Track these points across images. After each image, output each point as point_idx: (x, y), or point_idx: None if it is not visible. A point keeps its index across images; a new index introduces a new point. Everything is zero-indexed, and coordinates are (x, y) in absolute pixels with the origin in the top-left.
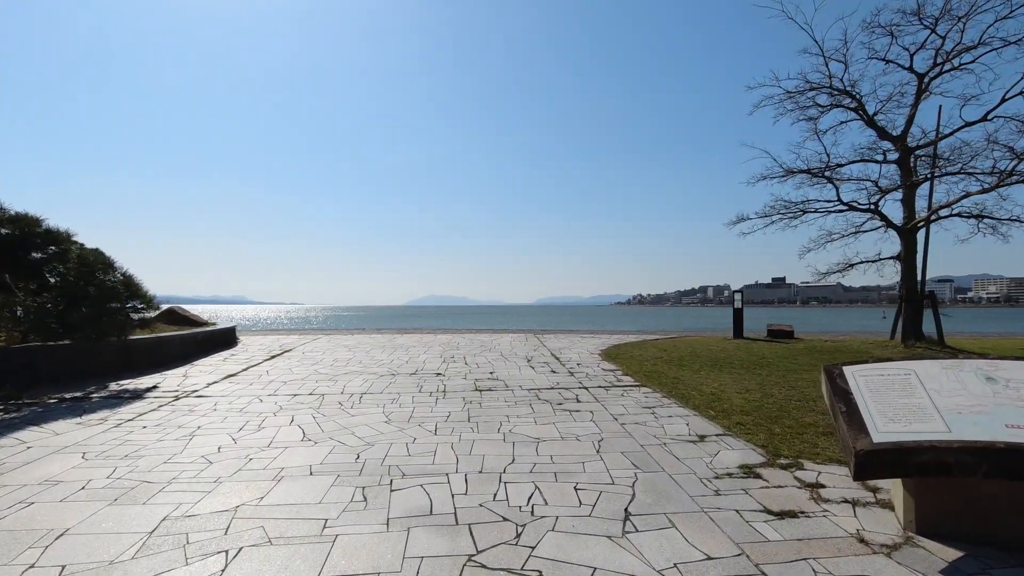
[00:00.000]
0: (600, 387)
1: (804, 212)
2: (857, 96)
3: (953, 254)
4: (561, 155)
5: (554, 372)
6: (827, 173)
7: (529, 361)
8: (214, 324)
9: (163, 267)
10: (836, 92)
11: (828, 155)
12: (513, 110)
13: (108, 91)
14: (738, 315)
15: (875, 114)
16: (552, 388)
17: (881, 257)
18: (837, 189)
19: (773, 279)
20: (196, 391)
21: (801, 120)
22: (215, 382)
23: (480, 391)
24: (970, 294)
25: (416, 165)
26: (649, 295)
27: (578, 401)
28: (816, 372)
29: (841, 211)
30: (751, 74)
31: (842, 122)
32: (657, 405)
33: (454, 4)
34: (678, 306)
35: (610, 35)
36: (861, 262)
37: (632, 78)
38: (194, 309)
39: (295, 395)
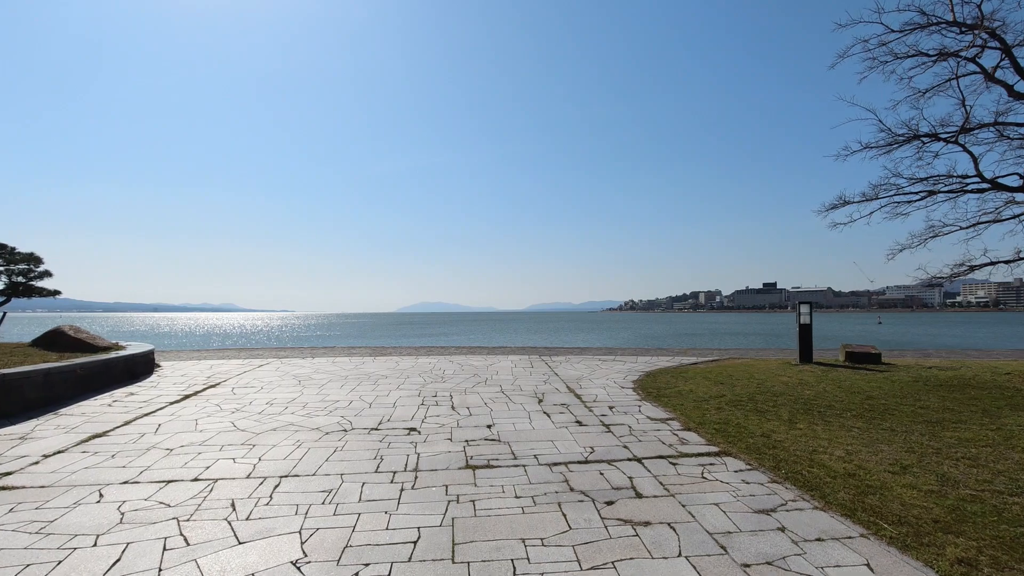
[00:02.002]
0: (661, 457)
1: (932, 192)
2: (995, 30)
3: (941, 258)
4: (550, 162)
5: (581, 425)
6: (961, 138)
7: (541, 401)
8: (121, 348)
9: (154, 276)
10: (964, 28)
11: (967, 111)
12: (504, 117)
13: (97, 95)
14: (806, 333)
15: (999, 64)
16: (587, 461)
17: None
18: (976, 161)
19: (764, 284)
20: (9, 473)
21: (895, 74)
22: (58, 452)
23: (473, 469)
24: (958, 299)
25: (408, 172)
26: (640, 301)
27: (638, 495)
28: (973, 425)
29: (982, 190)
30: (742, 79)
31: (947, 79)
32: (777, 505)
33: (441, 13)
34: (670, 312)
35: (597, 42)
36: (992, 263)
37: (619, 85)
38: (182, 317)
39: (168, 483)
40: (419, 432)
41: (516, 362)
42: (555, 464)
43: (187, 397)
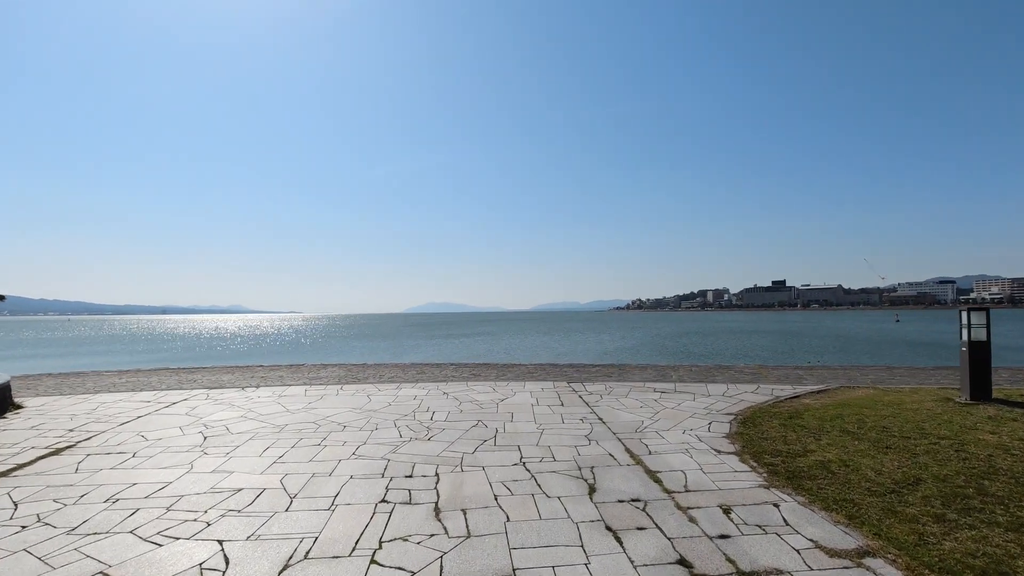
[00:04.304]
0: None
1: None
2: None
3: (950, 254)
4: (555, 164)
5: (694, 574)
6: None
7: (593, 491)
8: None
9: (164, 278)
10: None
11: None
12: (504, 119)
13: (94, 99)
14: (981, 355)
15: None
16: None
17: None
18: None
19: (773, 282)
20: None
21: None
22: None
23: None
24: (972, 295)
25: (413, 173)
26: (648, 300)
27: None
28: None
29: None
30: (742, 76)
31: None
32: None
33: (431, 20)
34: (678, 311)
35: (617, 36)
36: None
37: (621, 81)
38: (186, 319)
39: None
40: None
41: (537, 394)
42: None
43: None
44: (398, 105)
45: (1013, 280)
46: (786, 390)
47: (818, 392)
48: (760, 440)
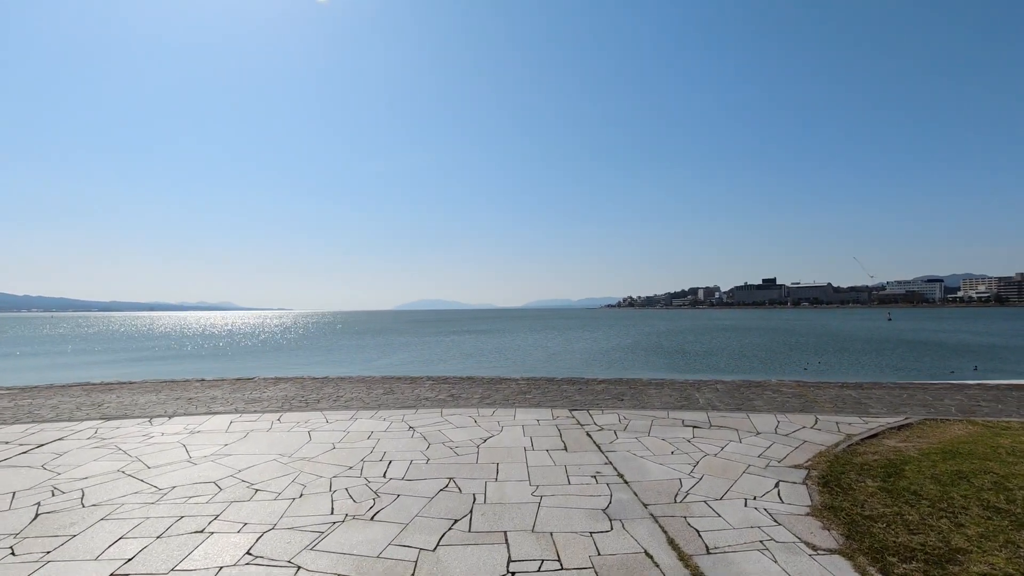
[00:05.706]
0: None
1: None
2: None
3: (938, 253)
4: (551, 161)
5: None
6: None
7: None
8: None
9: (152, 275)
10: None
11: None
12: (503, 116)
13: (80, 92)
14: None
15: None
16: None
17: None
18: None
19: (763, 280)
20: None
21: None
22: None
23: None
24: (959, 294)
25: (407, 170)
26: (639, 297)
27: None
28: None
29: None
30: (734, 73)
31: None
32: None
33: (428, 18)
34: (669, 308)
35: (612, 37)
36: None
37: (615, 78)
38: (173, 316)
39: None
40: None
41: (532, 430)
42: None
43: None
44: (396, 102)
45: (999, 279)
46: (855, 424)
47: (899, 428)
48: (866, 521)
